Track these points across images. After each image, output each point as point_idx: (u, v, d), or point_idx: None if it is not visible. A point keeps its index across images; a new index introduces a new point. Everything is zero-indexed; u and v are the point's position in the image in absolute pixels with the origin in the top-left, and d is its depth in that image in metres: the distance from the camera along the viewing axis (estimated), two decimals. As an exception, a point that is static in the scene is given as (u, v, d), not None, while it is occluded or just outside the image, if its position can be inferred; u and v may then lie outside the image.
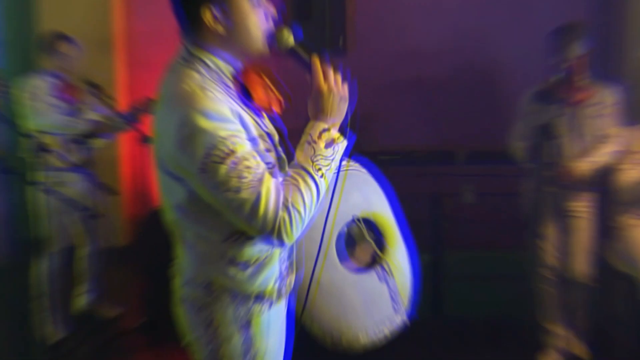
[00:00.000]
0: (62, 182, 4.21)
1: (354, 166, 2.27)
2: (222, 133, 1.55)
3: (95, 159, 4.33)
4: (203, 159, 1.55)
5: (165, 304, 1.90)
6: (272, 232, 1.59)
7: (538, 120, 3.64)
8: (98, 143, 4.27)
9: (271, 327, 1.86)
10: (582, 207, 3.81)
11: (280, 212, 1.58)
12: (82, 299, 4.65)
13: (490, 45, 5.27)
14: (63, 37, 4.34)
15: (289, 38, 1.75)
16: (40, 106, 4.13)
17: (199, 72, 1.67)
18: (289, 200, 1.60)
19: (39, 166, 4.14)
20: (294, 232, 1.62)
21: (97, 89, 4.27)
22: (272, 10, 1.76)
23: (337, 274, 2.20)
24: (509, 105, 4.06)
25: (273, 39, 1.75)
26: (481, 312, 4.50)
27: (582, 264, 3.80)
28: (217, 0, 1.67)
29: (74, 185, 4.19)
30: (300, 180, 1.64)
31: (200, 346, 1.84)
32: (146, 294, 4.53)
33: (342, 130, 1.75)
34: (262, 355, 1.83)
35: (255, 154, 1.62)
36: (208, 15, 1.67)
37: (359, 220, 2.23)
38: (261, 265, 1.78)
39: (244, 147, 1.58)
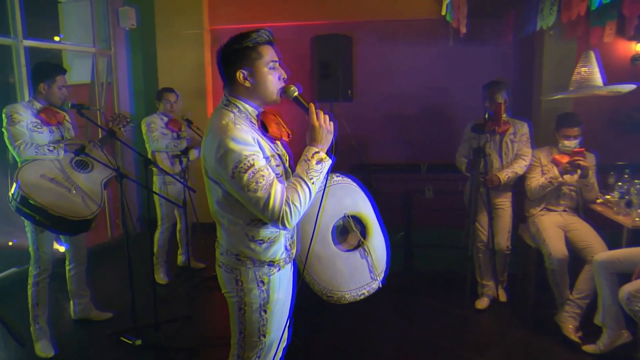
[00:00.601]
0: (167, 183, 4.22)
1: (347, 181, 2.23)
2: (246, 153, 1.56)
3: (189, 168, 4.32)
4: (232, 170, 1.56)
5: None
6: (277, 219, 1.58)
7: (474, 144, 3.50)
8: (191, 158, 4.22)
9: (280, 284, 1.82)
10: (504, 202, 3.66)
11: (284, 206, 1.57)
12: (181, 257, 4.67)
13: (445, 93, 5.15)
14: (169, 90, 4.33)
15: (294, 92, 1.73)
16: (156, 135, 4.13)
17: (233, 112, 1.68)
18: (290, 198, 1.59)
19: (152, 173, 4.17)
20: (293, 220, 1.60)
21: (191, 123, 4.24)
22: (284, 74, 1.74)
23: (331, 252, 2.12)
24: (456, 134, 3.93)
25: (283, 92, 1.73)
26: (437, 269, 4.36)
27: (503, 240, 3.65)
28: (245, 66, 1.68)
29: (174, 185, 4.18)
30: (298, 186, 1.61)
31: (232, 295, 1.81)
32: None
33: (328, 153, 1.71)
34: (273, 303, 1.79)
35: (268, 167, 1.61)
36: (240, 75, 1.68)
37: (349, 216, 2.15)
38: (272, 242, 1.75)
39: (260, 162, 1.58)
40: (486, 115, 3.42)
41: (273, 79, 1.71)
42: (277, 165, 1.69)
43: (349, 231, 2.20)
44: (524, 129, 3.57)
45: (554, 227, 3.40)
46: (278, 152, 1.74)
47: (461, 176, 3.84)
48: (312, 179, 1.63)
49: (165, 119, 4.24)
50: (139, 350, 3.07)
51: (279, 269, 1.79)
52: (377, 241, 2.21)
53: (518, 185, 3.67)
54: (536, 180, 3.49)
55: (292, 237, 1.84)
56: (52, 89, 3.02)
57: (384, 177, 4.51)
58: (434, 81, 5.15)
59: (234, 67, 1.69)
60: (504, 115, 3.51)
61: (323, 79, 5.00)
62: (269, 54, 1.70)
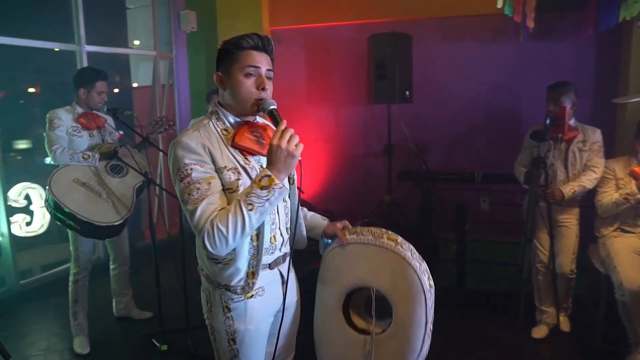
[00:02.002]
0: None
1: (402, 253, 1.61)
2: (186, 160, 1.45)
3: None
4: (174, 175, 1.47)
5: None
6: (200, 238, 1.41)
7: (534, 153, 3.06)
8: None
9: (249, 314, 1.59)
10: (569, 219, 3.17)
11: (207, 226, 1.39)
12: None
13: (511, 95, 4.63)
14: (217, 92, 4.25)
15: (270, 105, 1.51)
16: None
17: (210, 119, 1.56)
18: (216, 220, 1.39)
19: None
20: (216, 245, 1.40)
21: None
22: (264, 84, 1.51)
23: (332, 314, 1.74)
24: (518, 140, 3.47)
25: (261, 103, 1.52)
26: (491, 287, 3.91)
27: (567, 263, 3.17)
28: (222, 69, 1.55)
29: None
30: (232, 209, 1.41)
31: (205, 318, 1.66)
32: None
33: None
34: (241, 333, 1.59)
35: (211, 180, 1.45)
36: (216, 78, 1.57)
37: (374, 291, 1.66)
38: (226, 264, 1.54)
39: (197, 174, 1.44)
40: (547, 121, 2.97)
41: (246, 86, 1.51)
42: (236, 179, 1.49)
43: (369, 310, 1.70)
44: (595, 136, 3.06)
45: (629, 252, 2.87)
46: (244, 164, 1.52)
47: (520, 188, 3.39)
48: (250, 205, 1.39)
49: (215, 121, 4.18)
50: (166, 355, 3.01)
51: (251, 298, 1.59)
52: (395, 346, 1.63)
53: (587, 200, 3.16)
54: (609, 195, 2.97)
55: (255, 266, 1.57)
56: (91, 94, 3.04)
57: (439, 186, 4.13)
58: (498, 82, 4.67)
59: (216, 69, 1.58)
60: (570, 120, 3.04)
61: (379, 80, 4.72)
62: (248, 60, 1.51)
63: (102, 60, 4.50)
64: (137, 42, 6.26)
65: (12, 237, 3.85)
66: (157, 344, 3.06)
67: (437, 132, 4.86)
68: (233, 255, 1.53)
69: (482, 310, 3.60)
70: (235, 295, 1.57)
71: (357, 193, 5.43)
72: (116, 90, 5.96)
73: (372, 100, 4.79)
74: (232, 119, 1.56)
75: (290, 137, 1.41)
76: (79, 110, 3.06)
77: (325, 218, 1.83)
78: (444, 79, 4.86)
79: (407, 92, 4.80)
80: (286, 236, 1.66)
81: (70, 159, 2.87)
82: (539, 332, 3.23)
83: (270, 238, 1.59)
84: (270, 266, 1.63)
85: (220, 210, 1.42)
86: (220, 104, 1.60)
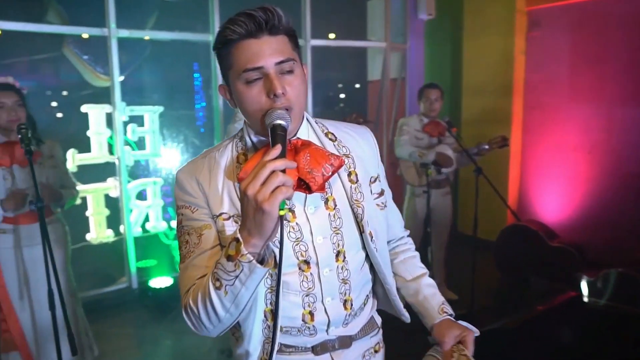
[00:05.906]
0: (416, 195, 3.69)
1: None
2: (179, 202, 1.12)
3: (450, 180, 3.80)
4: None
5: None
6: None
7: None
8: (430, 174, 3.43)
9: None
10: None
11: (183, 299, 1.05)
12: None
13: None
14: (430, 86, 3.66)
15: (274, 119, 0.98)
16: (404, 139, 3.62)
17: (232, 141, 1.15)
18: (190, 293, 1.04)
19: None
20: (195, 325, 1.04)
21: (450, 127, 3.46)
22: (274, 87, 0.98)
23: None
24: None
25: (266, 115, 1.00)
26: None
27: None
28: (227, 82, 1.07)
29: (423, 198, 3.58)
30: (205, 280, 1.01)
31: None
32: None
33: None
34: None
35: (203, 230, 1.07)
36: (222, 90, 1.11)
37: None
38: (237, 339, 1.15)
39: (188, 221, 1.09)
40: None
41: (251, 98, 1.01)
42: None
43: None
44: None
45: None
46: None
47: None
48: (217, 281, 0.95)
49: (426, 120, 3.65)
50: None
51: None
52: None
53: None
54: None
55: (269, 352, 1.08)
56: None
57: None
58: None
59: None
60: None
61: None
62: (242, 59, 1.00)
63: (328, 54, 4.52)
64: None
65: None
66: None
67: None
68: (242, 332, 1.12)
69: None
70: None
71: (625, 226, 4.02)
72: (357, 85, 5.99)
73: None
74: (255, 138, 1.11)
75: (268, 177, 0.86)
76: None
77: (445, 309, 1.23)
78: None
79: None
80: (344, 313, 1.14)
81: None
82: None
83: (304, 315, 1.11)
84: (315, 350, 1.15)
85: (201, 277, 1.04)
86: (245, 121, 1.15)
